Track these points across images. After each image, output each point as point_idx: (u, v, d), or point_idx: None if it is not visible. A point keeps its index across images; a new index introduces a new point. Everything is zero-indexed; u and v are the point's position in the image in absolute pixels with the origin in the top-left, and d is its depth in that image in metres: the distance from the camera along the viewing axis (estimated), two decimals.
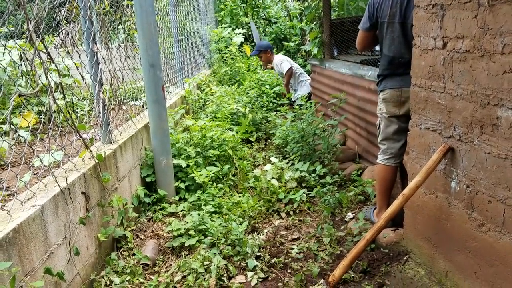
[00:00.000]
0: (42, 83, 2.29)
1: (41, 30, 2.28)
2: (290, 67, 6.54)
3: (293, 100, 6.46)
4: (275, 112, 6.32)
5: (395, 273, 2.53)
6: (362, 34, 3.09)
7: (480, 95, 1.93)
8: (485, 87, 1.89)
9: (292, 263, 2.77)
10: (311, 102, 5.09)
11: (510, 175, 1.82)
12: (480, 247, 2.04)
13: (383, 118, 2.96)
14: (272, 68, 7.31)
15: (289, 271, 2.71)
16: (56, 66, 2.44)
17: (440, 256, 2.34)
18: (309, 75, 6.40)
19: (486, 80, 1.89)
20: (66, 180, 2.27)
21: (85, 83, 2.74)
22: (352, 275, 2.54)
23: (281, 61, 6.67)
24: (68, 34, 2.73)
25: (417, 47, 2.35)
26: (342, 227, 3.20)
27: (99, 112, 2.87)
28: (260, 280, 2.62)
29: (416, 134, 2.46)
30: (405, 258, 2.61)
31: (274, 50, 9.59)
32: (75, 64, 2.60)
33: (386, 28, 2.83)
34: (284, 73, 6.57)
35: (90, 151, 2.57)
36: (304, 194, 3.75)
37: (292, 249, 2.95)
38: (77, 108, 3.97)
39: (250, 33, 10.04)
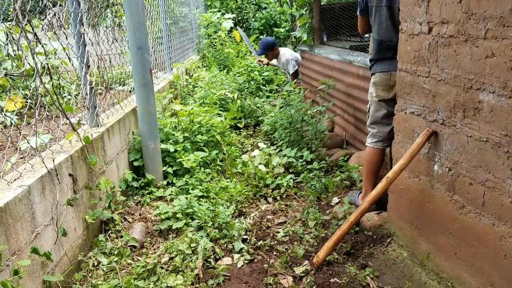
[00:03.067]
0: (29, 63, 2.27)
1: (27, 11, 2.25)
2: (297, 69, 6.34)
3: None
4: (264, 99, 6.32)
5: (378, 255, 2.59)
6: (359, 19, 3.20)
7: (463, 80, 1.96)
8: (468, 72, 1.93)
9: (278, 246, 2.81)
10: (300, 88, 5.11)
11: (490, 158, 1.87)
12: (460, 229, 2.09)
13: (373, 102, 3.00)
14: (268, 64, 7.10)
15: (274, 253, 2.75)
16: (43, 47, 2.42)
17: (422, 238, 2.39)
18: None
19: (469, 64, 1.92)
20: (53, 161, 2.27)
21: (72, 65, 2.72)
22: (336, 256, 2.60)
23: (288, 61, 6.43)
24: (55, 15, 2.69)
25: (404, 32, 2.37)
26: (327, 211, 3.25)
27: (86, 95, 2.85)
28: (246, 262, 2.66)
29: (401, 118, 2.50)
30: (388, 240, 2.67)
31: (264, 35, 9.56)
32: (61, 45, 2.58)
33: (375, 12, 2.88)
34: (290, 74, 6.42)
35: (77, 133, 2.57)
36: (291, 180, 3.79)
37: (278, 232, 2.99)
38: (64, 91, 3.94)
39: (239, 18, 9.98)
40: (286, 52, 6.63)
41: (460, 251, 2.11)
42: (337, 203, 3.37)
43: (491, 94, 1.82)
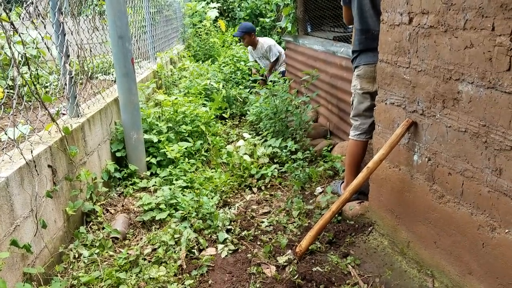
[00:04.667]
0: (5, 53, 2.23)
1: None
2: (278, 56, 6.58)
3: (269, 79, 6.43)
4: (249, 89, 6.31)
5: (360, 243, 2.62)
6: (344, 9, 3.16)
7: (443, 70, 1.98)
8: (448, 62, 1.94)
9: (262, 236, 2.82)
10: (284, 79, 5.11)
11: (469, 148, 1.89)
12: (440, 218, 2.12)
13: (356, 94, 3.00)
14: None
15: (258, 243, 2.76)
16: (20, 36, 2.37)
17: (403, 227, 2.42)
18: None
19: (448, 55, 1.93)
20: (32, 152, 2.24)
21: (51, 54, 2.67)
22: (319, 245, 2.62)
23: (270, 48, 6.63)
24: (32, 3, 2.63)
25: (385, 22, 2.37)
26: (311, 201, 3.27)
27: (66, 85, 2.81)
28: (230, 252, 2.66)
29: (381, 109, 2.51)
30: (369, 229, 2.70)
31: None
32: (39, 35, 2.53)
33: (357, 1, 2.87)
34: (271, 61, 6.64)
35: (56, 123, 2.53)
36: (276, 170, 3.80)
37: (263, 222, 3.00)
38: (44, 81, 3.86)
39: (225, 7, 9.89)
40: (269, 41, 6.78)
41: (439, 240, 2.15)
42: (320, 193, 3.39)
43: (470, 84, 1.83)
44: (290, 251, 2.61)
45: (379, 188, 2.61)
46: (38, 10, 2.71)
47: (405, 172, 2.34)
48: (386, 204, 2.56)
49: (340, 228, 2.79)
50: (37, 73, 3.03)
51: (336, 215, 2.80)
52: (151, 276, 2.34)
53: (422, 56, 2.10)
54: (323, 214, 2.82)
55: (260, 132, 4.68)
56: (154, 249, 2.62)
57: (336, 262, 2.46)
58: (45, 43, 2.62)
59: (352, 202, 2.87)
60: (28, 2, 2.71)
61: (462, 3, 1.81)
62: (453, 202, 2.02)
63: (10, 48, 2.17)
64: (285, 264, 2.50)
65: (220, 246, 2.70)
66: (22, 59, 2.38)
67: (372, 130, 2.95)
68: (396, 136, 2.26)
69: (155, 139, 3.71)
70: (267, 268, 2.48)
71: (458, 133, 1.94)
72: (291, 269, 2.42)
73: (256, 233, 2.86)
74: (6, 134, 2.22)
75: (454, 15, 1.86)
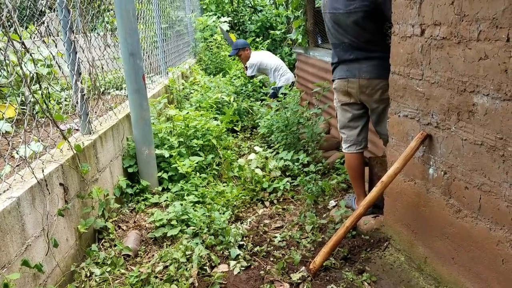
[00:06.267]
0: (17, 73, 2.25)
1: (14, 19, 2.22)
2: (252, 76, 6.76)
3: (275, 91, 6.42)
4: (260, 101, 6.30)
5: (375, 259, 2.56)
6: None
7: (457, 82, 1.93)
8: (462, 74, 1.90)
9: (275, 251, 2.78)
10: (295, 91, 5.09)
11: (485, 162, 1.84)
12: (457, 233, 2.06)
13: (337, 107, 3.08)
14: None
15: (271, 259, 2.72)
16: (31, 55, 2.39)
17: (419, 242, 2.36)
18: (294, 64, 6.39)
19: (462, 67, 1.89)
20: (43, 171, 2.24)
21: (62, 72, 2.69)
22: (333, 261, 2.56)
23: (251, 64, 6.73)
24: (43, 23, 2.66)
25: (396, 34, 2.34)
26: (324, 215, 3.22)
27: (77, 102, 2.82)
28: (242, 268, 2.62)
29: (395, 121, 2.47)
30: (385, 244, 2.63)
31: (260, 38, 9.55)
32: (50, 53, 2.55)
33: (324, 18, 3.01)
34: (248, 74, 6.85)
35: (68, 141, 2.53)
36: (288, 183, 3.76)
37: (275, 237, 2.96)
38: (56, 99, 3.90)
39: (235, 21, 9.98)
40: (254, 56, 6.83)
41: (457, 256, 2.08)
42: (334, 207, 3.34)
43: (485, 96, 1.79)
44: (303, 267, 2.55)
45: (394, 202, 2.55)
46: (50, 30, 2.74)
47: (421, 186, 2.29)
48: (401, 218, 2.51)
49: (355, 243, 2.73)
50: (48, 92, 3.05)
51: (351, 230, 2.75)
52: None
53: (435, 68, 2.07)
54: (337, 229, 2.77)
55: (271, 145, 4.65)
56: (166, 267, 2.59)
57: (351, 279, 2.40)
58: (56, 62, 2.64)
59: (367, 216, 2.82)
60: (40, 22, 2.75)
61: (475, 14, 1.77)
62: (471, 217, 1.96)
63: (21, 67, 2.19)
64: (299, 281, 2.44)
65: (232, 263, 2.66)
66: (34, 77, 2.40)
67: (362, 141, 2.99)
68: (411, 149, 2.21)
69: (167, 154, 3.70)
70: (281, 285, 2.43)
71: (474, 146, 1.89)
72: (305, 287, 2.37)
73: (268, 248, 2.82)
74: (17, 153, 2.23)
75: (467, 26, 1.82)
